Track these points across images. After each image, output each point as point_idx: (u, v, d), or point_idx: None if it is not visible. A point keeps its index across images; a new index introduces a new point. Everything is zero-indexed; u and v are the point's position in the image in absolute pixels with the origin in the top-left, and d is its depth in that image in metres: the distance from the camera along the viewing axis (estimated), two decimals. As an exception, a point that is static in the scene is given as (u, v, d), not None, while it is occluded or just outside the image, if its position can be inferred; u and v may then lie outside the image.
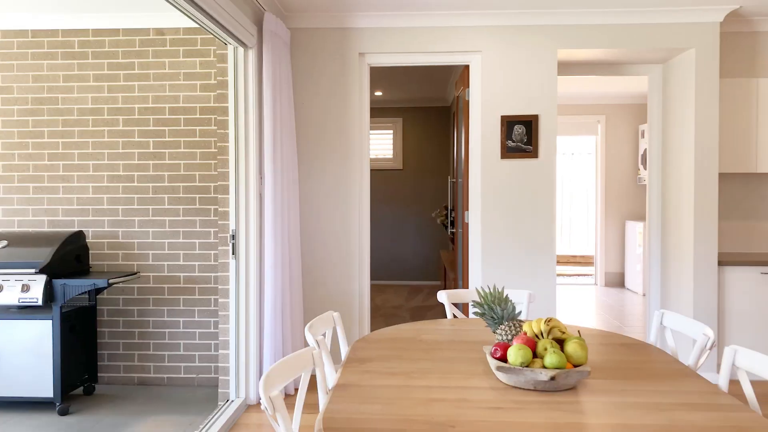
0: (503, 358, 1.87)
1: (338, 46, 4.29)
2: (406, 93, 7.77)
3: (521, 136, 4.24)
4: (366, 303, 4.36)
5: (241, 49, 3.69)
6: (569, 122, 8.12)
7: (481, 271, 4.28)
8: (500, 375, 1.86)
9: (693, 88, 4.18)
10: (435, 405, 1.69)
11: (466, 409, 1.66)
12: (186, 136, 4.28)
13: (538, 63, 4.23)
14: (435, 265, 8.51)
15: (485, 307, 2.08)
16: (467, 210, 4.40)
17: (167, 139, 4.29)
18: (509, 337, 1.98)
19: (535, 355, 1.87)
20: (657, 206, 4.76)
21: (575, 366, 1.84)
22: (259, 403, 3.81)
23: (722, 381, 1.93)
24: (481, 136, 4.29)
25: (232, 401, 3.66)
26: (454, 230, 5.74)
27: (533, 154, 4.24)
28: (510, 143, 4.25)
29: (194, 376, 4.27)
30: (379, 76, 6.85)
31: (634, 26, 4.16)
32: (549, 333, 1.93)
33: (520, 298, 2.97)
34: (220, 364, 3.77)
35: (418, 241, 8.53)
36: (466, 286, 4.46)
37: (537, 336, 1.93)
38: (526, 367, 1.79)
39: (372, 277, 8.57)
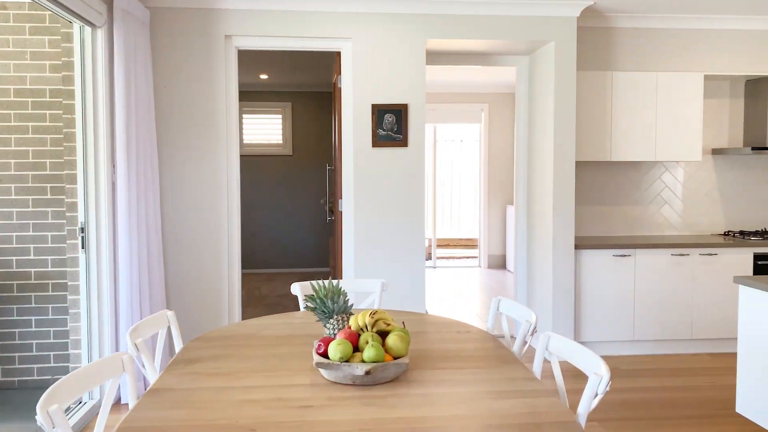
0: (326, 354, 1.86)
1: (203, 28, 4.10)
2: (293, 77, 7.62)
3: (392, 125, 4.27)
4: (236, 292, 4.25)
5: (88, 29, 3.44)
6: (456, 109, 8.31)
7: (354, 259, 4.29)
8: (321, 371, 1.85)
9: (552, 79, 4.37)
10: (247, 407, 1.65)
11: (277, 409, 1.63)
12: (35, 121, 3.95)
13: (408, 52, 4.26)
14: (326, 251, 8.48)
15: (317, 301, 2.06)
16: (341, 198, 4.39)
17: (13, 123, 3.95)
18: (335, 331, 1.98)
19: (357, 348, 1.87)
20: (524, 192, 4.96)
21: (396, 358, 1.86)
22: (119, 403, 3.63)
23: (536, 367, 2.03)
24: (353, 124, 4.27)
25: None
26: (333, 218, 5.72)
27: (403, 142, 4.28)
28: (381, 132, 4.27)
29: (49, 377, 4.00)
30: (264, 59, 6.66)
31: (499, 18, 4.27)
32: (374, 326, 1.94)
33: (373, 287, 2.99)
34: (71, 365, 3.55)
35: (310, 228, 8.46)
36: (341, 275, 4.45)
37: (361, 329, 1.94)
38: (345, 362, 1.79)
39: (263, 266, 8.42)
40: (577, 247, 4.42)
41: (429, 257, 9.18)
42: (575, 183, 4.95)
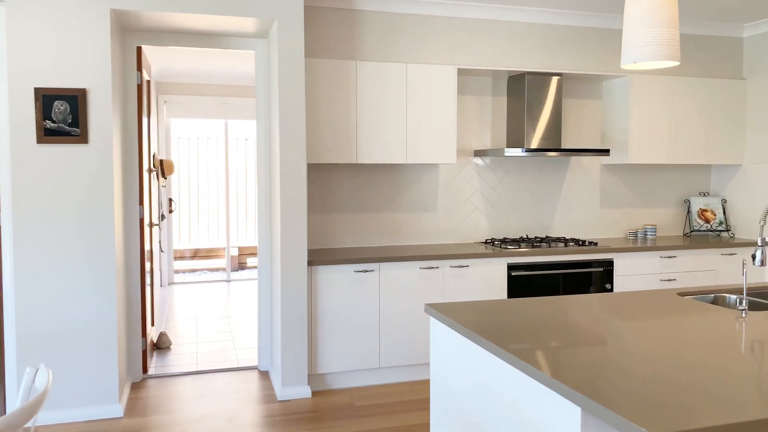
0: None
1: None
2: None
3: (64, 115, 3.33)
4: None
5: None
6: (235, 105, 7.47)
7: (14, 283, 3.30)
8: None
9: (276, 67, 3.68)
10: None
11: None
12: None
13: (90, 21, 3.34)
14: None
15: None
16: None
17: None
18: None
19: None
20: (266, 200, 4.25)
21: None
22: None
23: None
24: (9, 113, 3.27)
25: None
26: None
27: (81, 138, 3.36)
28: (50, 124, 3.31)
29: None
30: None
31: (206, -12, 3.49)
32: None
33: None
34: None
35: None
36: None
37: None
38: None
39: None
40: (312, 263, 3.78)
41: (239, 267, 8.28)
42: (320, 189, 4.32)
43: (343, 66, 4.01)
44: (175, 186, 9.23)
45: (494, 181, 4.69)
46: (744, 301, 2.30)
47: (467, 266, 4.07)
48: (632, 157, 4.64)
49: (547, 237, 4.69)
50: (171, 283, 7.63)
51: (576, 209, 4.90)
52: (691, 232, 5.05)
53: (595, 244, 4.45)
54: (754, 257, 2.46)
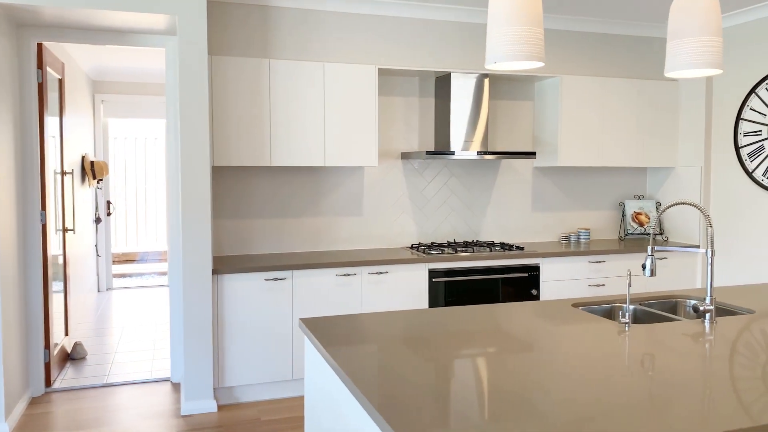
0: None
1: None
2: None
3: (-60, 115, 3.11)
4: None
5: None
6: (137, 102, 7.22)
7: None
8: None
9: (177, 66, 3.50)
10: None
11: None
12: None
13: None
14: None
15: None
16: None
17: None
18: None
19: None
20: (176, 205, 4.07)
21: None
22: None
23: None
24: None
25: None
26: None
27: (-40, 139, 3.14)
28: (-76, 124, 3.09)
29: None
30: None
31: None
32: None
33: None
34: None
35: None
36: None
37: None
38: None
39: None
40: (217, 271, 3.61)
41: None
42: (235, 193, 4.15)
43: (255, 64, 3.84)
44: (120, 188, 8.97)
45: (422, 185, 4.56)
46: (627, 314, 2.19)
47: (386, 272, 3.93)
48: (561, 159, 4.55)
49: (474, 242, 4.58)
50: (110, 289, 7.38)
51: (507, 213, 4.79)
52: (626, 235, 4.97)
53: (522, 248, 4.34)
54: (644, 267, 2.36)
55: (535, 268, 4.23)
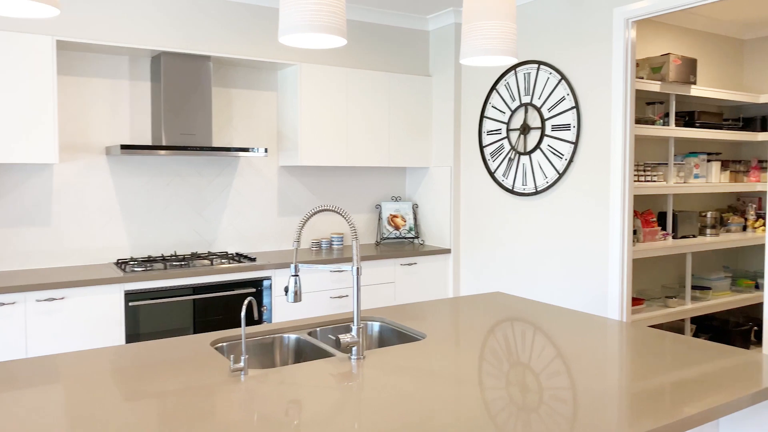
0: None
1: None
2: None
3: None
4: None
5: None
6: None
7: None
8: None
9: None
10: None
11: None
12: None
13: None
14: None
15: None
16: None
17: None
18: None
19: None
20: None
21: None
22: None
23: None
24: None
25: None
26: None
27: None
28: None
29: None
30: None
31: None
32: None
33: None
34: None
35: None
36: None
37: None
38: None
39: None
40: None
41: None
42: None
43: None
44: None
45: (136, 186, 3.79)
46: (243, 359, 1.65)
47: (62, 298, 3.11)
48: (303, 158, 4.05)
49: (206, 253, 3.92)
50: None
51: (249, 219, 4.19)
52: (382, 240, 4.62)
53: (254, 259, 3.76)
54: (286, 290, 1.85)
55: (267, 282, 3.67)
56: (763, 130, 4.44)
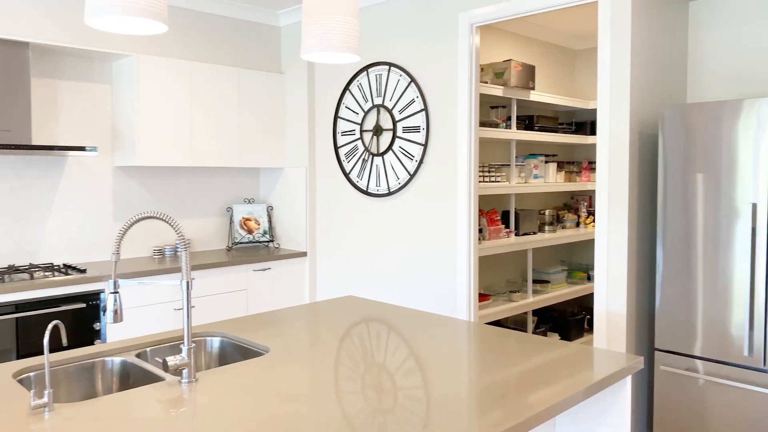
0: None
1: None
2: None
3: None
4: None
5: None
6: None
7: None
8: None
9: None
10: None
11: None
12: None
13: None
14: None
15: None
16: None
17: None
18: None
19: None
20: None
21: None
22: None
23: None
24: None
25: None
26: None
27: None
28: None
29: None
30: None
31: None
32: None
33: None
34: None
35: None
36: None
37: None
38: None
39: None
40: None
41: None
42: None
43: None
44: None
45: (-66, 191, 3.24)
46: (46, 394, 1.42)
47: None
48: (140, 158, 3.71)
49: (27, 266, 3.45)
50: None
51: (80, 225, 3.77)
52: (234, 245, 4.39)
53: (84, 271, 3.37)
54: (104, 310, 1.62)
55: (99, 297, 3.31)
56: (593, 133, 4.84)
